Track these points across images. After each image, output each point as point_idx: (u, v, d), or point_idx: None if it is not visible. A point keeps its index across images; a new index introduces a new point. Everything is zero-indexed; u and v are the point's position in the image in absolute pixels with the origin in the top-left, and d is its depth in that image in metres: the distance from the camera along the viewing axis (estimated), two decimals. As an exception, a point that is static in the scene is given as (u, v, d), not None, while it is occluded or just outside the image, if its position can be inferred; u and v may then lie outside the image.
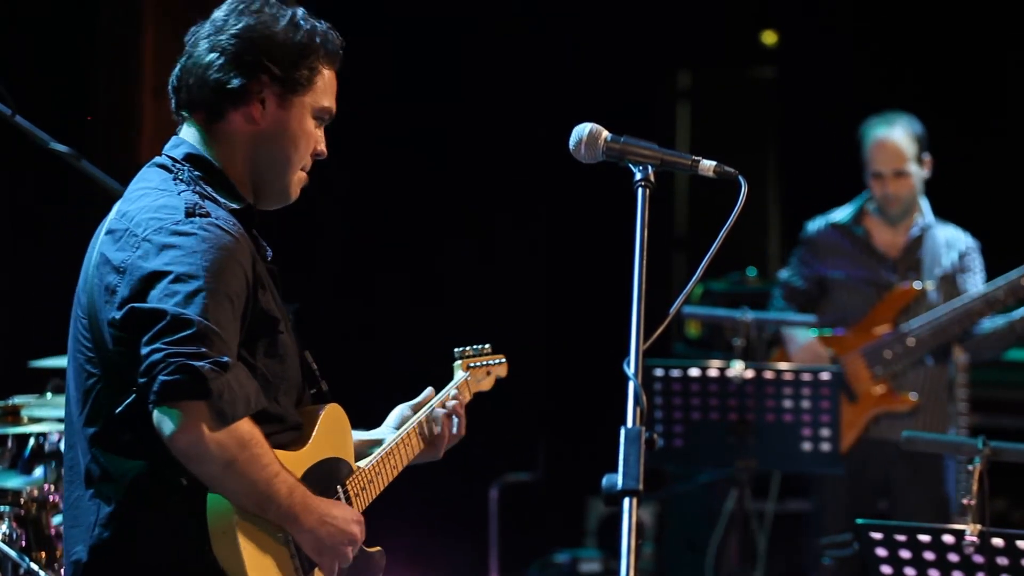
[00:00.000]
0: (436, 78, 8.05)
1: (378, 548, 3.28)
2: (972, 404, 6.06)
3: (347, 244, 7.85)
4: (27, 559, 4.14)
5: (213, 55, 3.09)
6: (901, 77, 8.06)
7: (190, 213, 2.95)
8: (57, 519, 4.52)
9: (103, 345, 2.96)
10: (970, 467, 3.79)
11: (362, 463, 3.28)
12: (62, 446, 4.71)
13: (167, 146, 3.17)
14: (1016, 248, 6.01)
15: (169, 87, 3.18)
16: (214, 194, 3.08)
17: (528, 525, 7.88)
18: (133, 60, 6.62)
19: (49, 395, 4.73)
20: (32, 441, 4.48)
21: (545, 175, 7.75)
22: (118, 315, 2.91)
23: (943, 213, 6.23)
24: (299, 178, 3.21)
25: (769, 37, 9.03)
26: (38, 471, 4.44)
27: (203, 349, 2.80)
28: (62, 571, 4.30)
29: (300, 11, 3.17)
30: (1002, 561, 3.63)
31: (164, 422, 2.81)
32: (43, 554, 4.30)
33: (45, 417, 4.47)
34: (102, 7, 6.57)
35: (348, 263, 7.86)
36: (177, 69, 3.16)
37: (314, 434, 3.10)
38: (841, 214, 6.22)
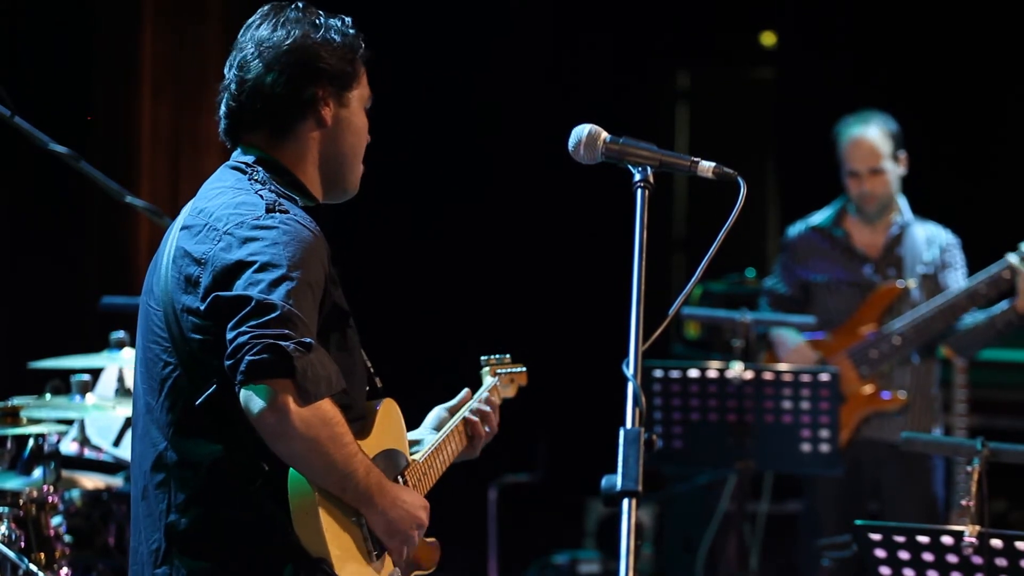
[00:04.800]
0: (435, 79, 8.04)
1: (433, 539, 3.34)
2: (971, 405, 6.06)
3: (344, 246, 7.84)
4: (26, 560, 4.14)
5: (272, 74, 3.16)
6: (899, 78, 8.06)
7: (270, 209, 3.04)
8: (56, 520, 4.53)
9: (181, 334, 3.02)
10: (969, 468, 3.79)
11: (416, 456, 3.36)
12: (61, 447, 4.74)
13: (234, 156, 3.23)
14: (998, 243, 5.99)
15: (221, 116, 3.23)
16: (289, 192, 3.17)
17: (527, 526, 7.88)
18: (133, 60, 6.63)
19: (48, 396, 4.73)
20: (31, 442, 4.48)
21: (544, 176, 7.74)
22: (202, 305, 2.98)
23: (944, 210, 6.23)
24: (361, 169, 3.33)
25: (768, 38, 9.04)
26: (37, 472, 4.44)
27: (287, 331, 2.87)
28: (63, 572, 4.32)
29: (321, 12, 3.26)
30: (1001, 562, 3.63)
31: (252, 400, 2.87)
32: (42, 555, 4.30)
33: (44, 418, 4.47)
34: (102, 7, 6.57)
35: (346, 265, 7.85)
36: (227, 96, 3.21)
37: (375, 425, 3.19)
38: (820, 217, 6.23)
